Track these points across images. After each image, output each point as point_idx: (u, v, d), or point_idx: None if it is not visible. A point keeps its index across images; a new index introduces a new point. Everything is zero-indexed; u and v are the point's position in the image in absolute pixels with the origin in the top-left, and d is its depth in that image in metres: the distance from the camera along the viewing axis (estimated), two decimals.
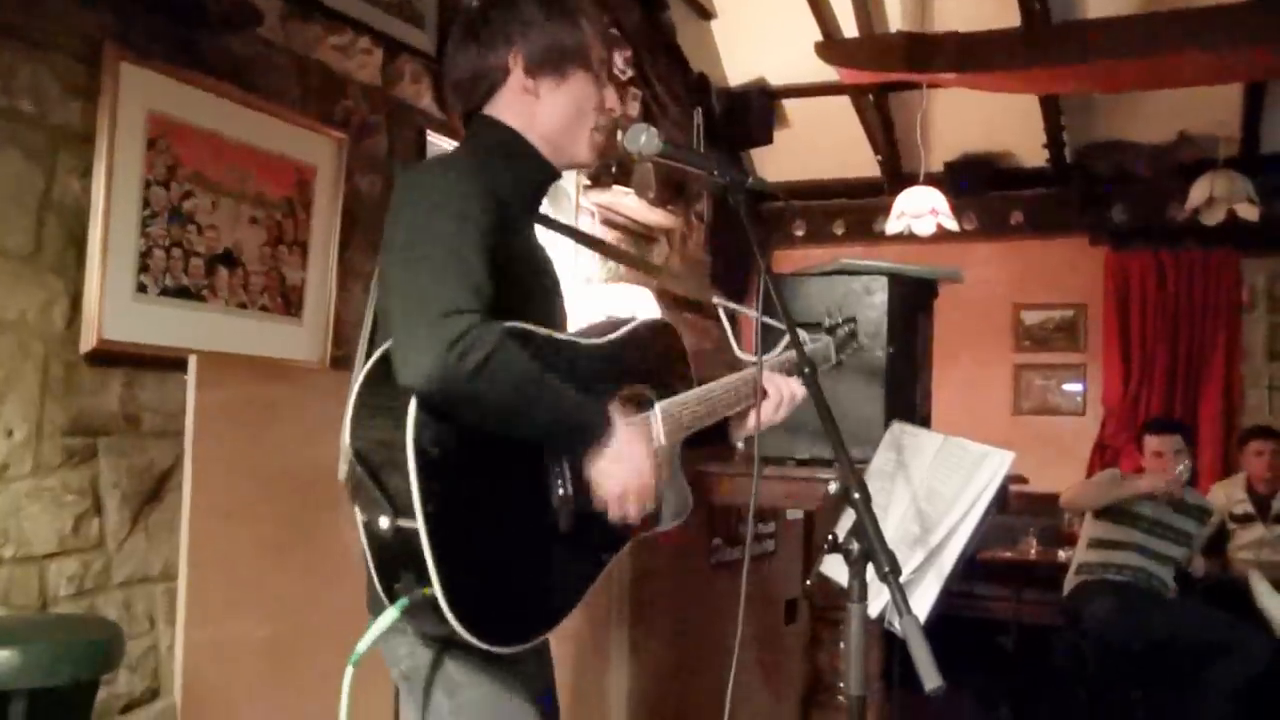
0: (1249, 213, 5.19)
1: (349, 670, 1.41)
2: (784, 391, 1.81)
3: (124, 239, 2.49)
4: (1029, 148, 5.88)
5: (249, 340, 2.83)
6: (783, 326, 1.58)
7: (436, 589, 1.31)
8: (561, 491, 1.49)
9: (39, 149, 2.35)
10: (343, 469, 1.43)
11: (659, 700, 2.63)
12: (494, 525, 1.41)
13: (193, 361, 2.56)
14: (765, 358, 1.78)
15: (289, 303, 2.96)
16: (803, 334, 1.71)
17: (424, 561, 1.31)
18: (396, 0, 3.41)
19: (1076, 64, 4.73)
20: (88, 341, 2.42)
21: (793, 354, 1.82)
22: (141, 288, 2.54)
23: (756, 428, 1.74)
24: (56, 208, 2.39)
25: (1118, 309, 5.96)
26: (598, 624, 2.56)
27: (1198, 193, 5.24)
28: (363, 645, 1.41)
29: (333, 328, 3.08)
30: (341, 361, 3.08)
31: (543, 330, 1.51)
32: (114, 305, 2.46)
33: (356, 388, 1.40)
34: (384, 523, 1.34)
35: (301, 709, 2.63)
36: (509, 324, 1.42)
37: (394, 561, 1.37)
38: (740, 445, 1.92)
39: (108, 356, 2.48)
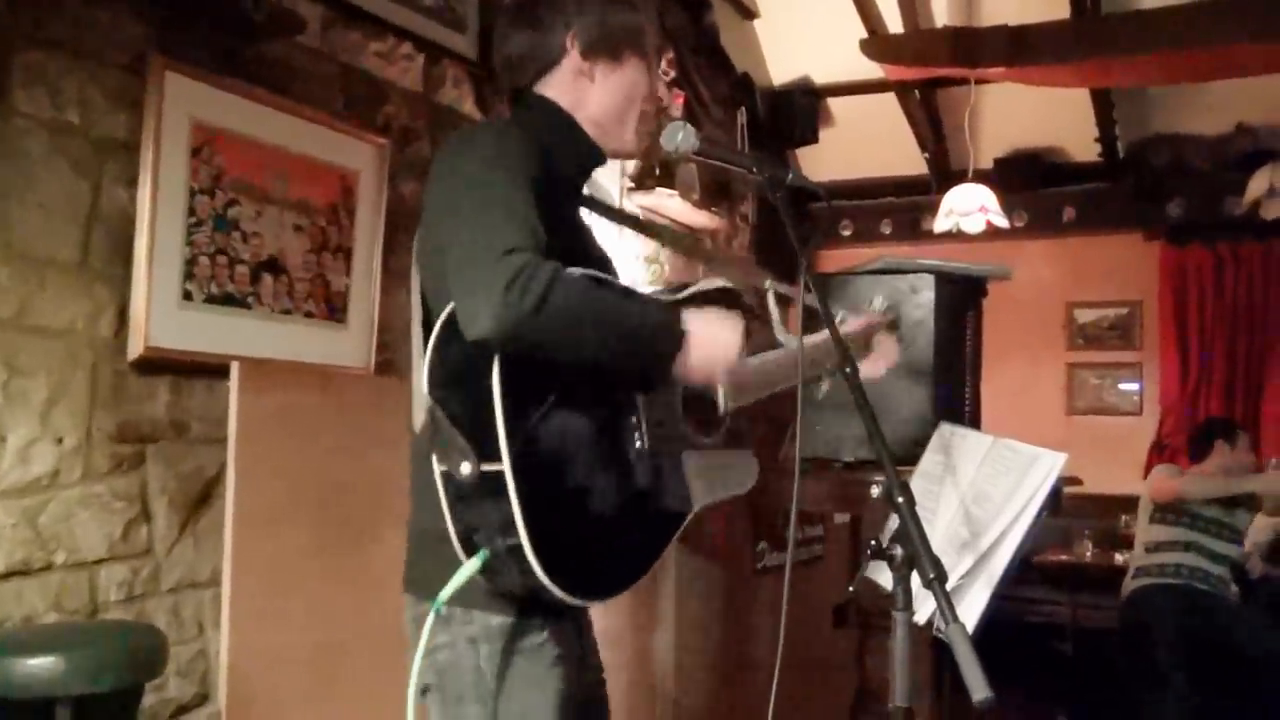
0: None
1: (430, 615, 1.40)
2: (887, 350, 1.90)
3: (170, 247, 2.51)
4: (1081, 142, 5.77)
5: (294, 346, 2.85)
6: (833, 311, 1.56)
7: (521, 532, 1.29)
8: (638, 445, 1.48)
9: (86, 159, 2.38)
10: (418, 418, 1.41)
11: (704, 707, 2.60)
12: (576, 473, 1.39)
13: (235, 368, 2.57)
14: (810, 338, 1.76)
15: (333, 309, 2.98)
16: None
17: (509, 505, 1.29)
18: (438, 6, 3.41)
19: (1129, 56, 4.63)
20: (135, 349, 2.44)
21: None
22: (187, 295, 2.56)
23: (799, 418, 1.71)
24: (103, 217, 2.41)
25: (1174, 306, 5.83)
26: (642, 630, 2.54)
27: (1257, 185, 5.11)
28: (445, 593, 1.38)
29: (377, 333, 3.09)
30: (386, 367, 3.09)
31: (612, 279, 1.51)
32: (160, 313, 2.48)
33: (433, 339, 1.38)
34: (466, 468, 1.31)
35: (347, 714, 2.63)
36: (582, 270, 1.41)
37: (474, 510, 1.35)
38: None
39: (155, 364, 2.50)
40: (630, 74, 1.62)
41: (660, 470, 1.51)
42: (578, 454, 1.39)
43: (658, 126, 1.66)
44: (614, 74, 1.61)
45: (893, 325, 2.09)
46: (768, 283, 1.88)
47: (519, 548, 1.30)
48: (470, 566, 1.36)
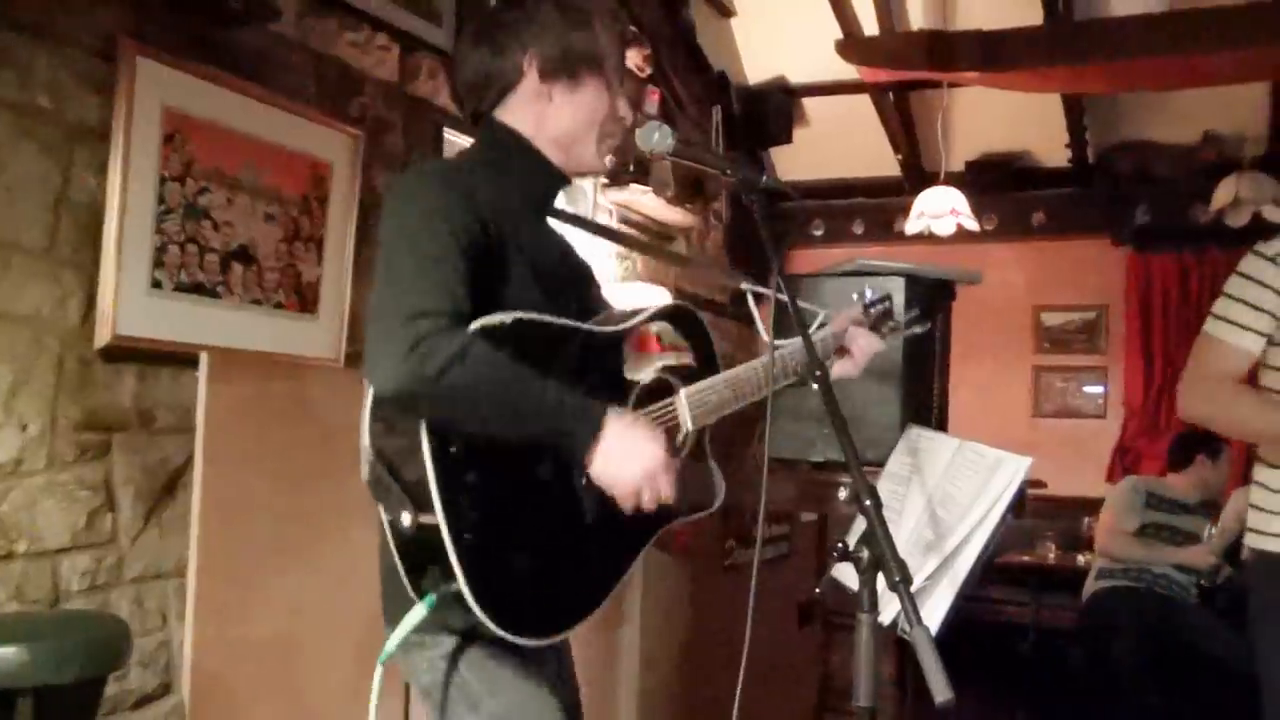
0: (1275, 215, 5.11)
1: (378, 670, 1.42)
2: (863, 347, 1.90)
3: (139, 235, 2.48)
4: (1051, 147, 5.82)
5: (264, 337, 2.83)
6: (815, 309, 1.56)
7: (460, 581, 1.31)
8: (584, 482, 1.48)
9: (55, 144, 2.35)
10: (365, 470, 1.43)
11: (669, 703, 2.61)
12: (517, 517, 1.40)
13: (204, 358, 2.55)
14: (785, 343, 1.76)
15: (304, 299, 2.96)
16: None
17: (446, 554, 1.31)
18: None
19: (1100, 63, 4.67)
20: (102, 337, 2.42)
21: (823, 336, 1.83)
22: (156, 284, 2.53)
23: (768, 418, 1.72)
24: (72, 203, 2.38)
25: (1140, 311, 5.90)
26: (608, 627, 2.55)
27: (1223, 194, 5.18)
28: (391, 644, 1.42)
29: (348, 325, 3.07)
30: (357, 358, 3.07)
31: (549, 318, 1.49)
32: (128, 301, 2.46)
33: (370, 391, 1.41)
34: (406, 519, 1.34)
35: (310, 707, 2.62)
36: (513, 315, 1.40)
37: (419, 558, 1.37)
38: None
39: (122, 352, 2.48)
40: (590, 95, 1.61)
41: (609, 503, 1.49)
42: (517, 497, 1.40)
43: (631, 131, 1.66)
44: (573, 95, 1.60)
45: (887, 314, 2.07)
46: (744, 284, 1.89)
47: (460, 594, 1.33)
48: (418, 612, 1.39)
